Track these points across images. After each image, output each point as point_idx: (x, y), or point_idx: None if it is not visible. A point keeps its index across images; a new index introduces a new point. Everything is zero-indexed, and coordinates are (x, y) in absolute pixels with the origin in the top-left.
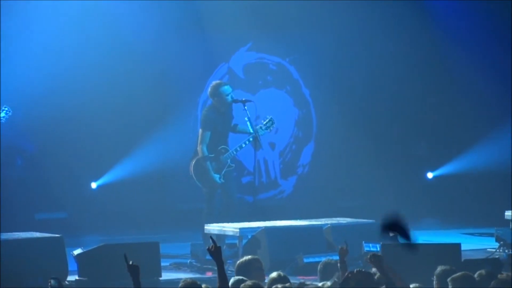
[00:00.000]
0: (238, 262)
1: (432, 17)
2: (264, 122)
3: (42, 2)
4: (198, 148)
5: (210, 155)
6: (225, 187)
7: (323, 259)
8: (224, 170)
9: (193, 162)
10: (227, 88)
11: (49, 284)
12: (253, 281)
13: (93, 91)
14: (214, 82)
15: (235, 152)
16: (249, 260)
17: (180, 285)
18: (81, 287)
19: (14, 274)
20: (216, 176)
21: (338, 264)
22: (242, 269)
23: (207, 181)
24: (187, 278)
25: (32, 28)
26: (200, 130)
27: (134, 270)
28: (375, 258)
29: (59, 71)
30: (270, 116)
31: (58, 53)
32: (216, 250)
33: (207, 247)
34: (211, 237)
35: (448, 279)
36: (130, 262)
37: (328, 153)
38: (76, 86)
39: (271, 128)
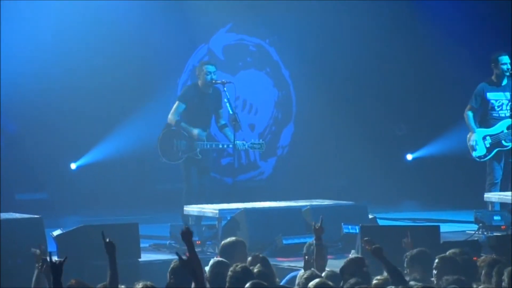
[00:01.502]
0: (223, 243)
1: (414, 2)
2: (254, 142)
3: None
4: (169, 117)
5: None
6: (199, 167)
7: (302, 240)
8: (188, 155)
9: (161, 134)
10: (209, 67)
11: (37, 266)
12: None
13: (73, 72)
14: (202, 60)
15: (208, 146)
16: (233, 241)
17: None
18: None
19: None
20: (197, 130)
21: (314, 242)
22: (227, 251)
23: (170, 154)
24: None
25: (12, 10)
26: (176, 102)
27: (111, 248)
28: (376, 251)
29: (39, 52)
30: (263, 142)
31: (38, 33)
32: (187, 234)
33: (181, 230)
34: (185, 224)
35: (437, 257)
36: (107, 240)
37: (308, 135)
38: (56, 68)
39: (255, 151)
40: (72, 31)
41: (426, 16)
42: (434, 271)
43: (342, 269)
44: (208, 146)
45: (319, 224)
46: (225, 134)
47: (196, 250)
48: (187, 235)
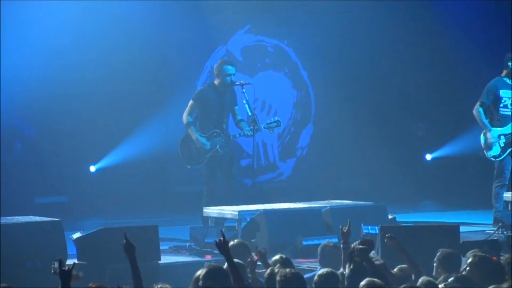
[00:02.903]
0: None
1: (432, 1)
2: (269, 122)
3: None
4: (183, 117)
5: (201, 134)
6: (224, 171)
7: (322, 241)
8: (211, 153)
9: (179, 144)
10: (228, 68)
11: (53, 266)
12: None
13: (91, 74)
14: (222, 59)
15: (232, 138)
16: (236, 244)
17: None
18: (80, 271)
19: (13, 258)
20: (203, 139)
21: (341, 245)
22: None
23: (193, 159)
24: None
25: (30, 13)
26: (190, 101)
27: (130, 249)
28: (391, 241)
29: (58, 55)
30: (278, 119)
31: (56, 36)
32: (224, 244)
33: (214, 241)
34: (221, 231)
35: (469, 253)
36: (125, 241)
37: (327, 135)
38: (74, 70)
39: (273, 130)
40: (89, 34)
41: (444, 16)
42: (467, 268)
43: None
44: (225, 139)
45: (346, 227)
46: (241, 128)
47: (217, 252)
48: (223, 246)
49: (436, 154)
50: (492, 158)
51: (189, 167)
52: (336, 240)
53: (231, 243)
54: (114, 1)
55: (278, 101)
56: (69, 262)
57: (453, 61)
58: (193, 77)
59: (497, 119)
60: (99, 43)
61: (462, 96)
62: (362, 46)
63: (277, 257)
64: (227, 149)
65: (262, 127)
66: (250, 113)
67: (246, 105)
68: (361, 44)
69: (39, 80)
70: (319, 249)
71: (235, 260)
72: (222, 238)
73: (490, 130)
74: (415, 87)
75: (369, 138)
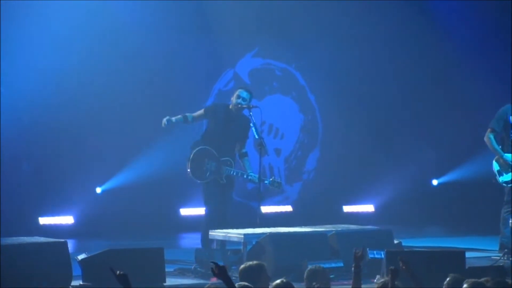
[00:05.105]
0: (242, 266)
1: (441, 22)
2: (272, 179)
3: (50, 3)
4: (191, 118)
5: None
6: (222, 194)
7: (328, 265)
8: (214, 177)
9: (197, 150)
10: (242, 92)
11: None
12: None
13: (98, 96)
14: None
15: (234, 173)
16: (255, 265)
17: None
18: None
19: (18, 279)
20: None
21: (352, 269)
22: (248, 274)
23: (198, 172)
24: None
25: (37, 33)
26: (202, 110)
27: (123, 280)
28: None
29: (66, 78)
30: (281, 181)
31: (63, 60)
32: (220, 270)
33: (211, 269)
34: (212, 262)
35: (464, 282)
36: (118, 273)
37: (334, 159)
38: (82, 91)
39: (273, 188)
40: (98, 57)
41: (453, 39)
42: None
43: None
44: (234, 174)
45: (360, 251)
46: (243, 163)
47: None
48: (221, 272)
49: (443, 179)
50: (503, 184)
51: (189, 175)
52: (341, 264)
53: (250, 263)
54: (122, 23)
55: (285, 125)
56: (74, 283)
57: (461, 87)
58: (201, 100)
59: (507, 145)
60: (105, 67)
61: (469, 122)
62: (371, 71)
63: (278, 281)
64: (230, 181)
65: (267, 183)
66: (257, 137)
67: (253, 128)
68: (370, 68)
69: (46, 102)
70: (306, 273)
71: (247, 284)
72: (215, 266)
73: (503, 156)
74: (423, 112)
75: (376, 163)
